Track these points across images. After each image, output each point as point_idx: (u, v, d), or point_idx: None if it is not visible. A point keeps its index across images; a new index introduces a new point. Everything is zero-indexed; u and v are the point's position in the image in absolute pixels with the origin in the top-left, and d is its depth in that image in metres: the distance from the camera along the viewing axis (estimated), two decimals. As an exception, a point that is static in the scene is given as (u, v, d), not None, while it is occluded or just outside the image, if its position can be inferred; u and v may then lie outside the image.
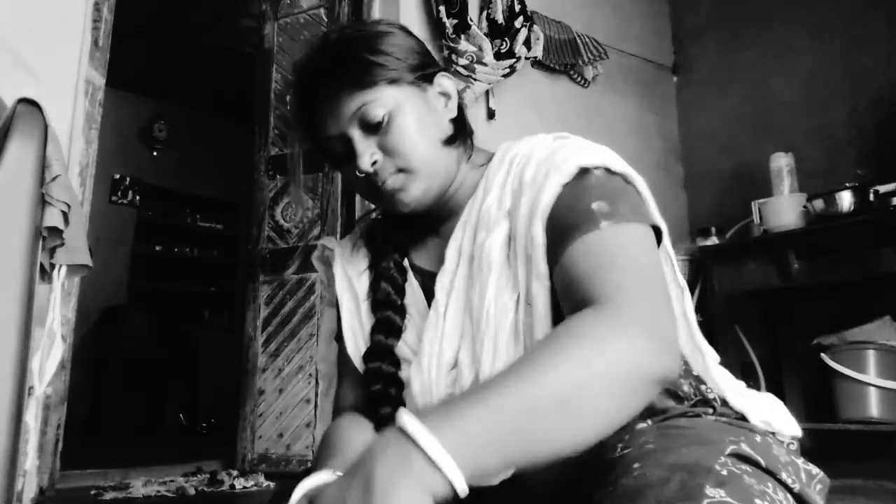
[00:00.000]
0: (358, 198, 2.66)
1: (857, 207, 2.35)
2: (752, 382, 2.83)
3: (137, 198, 5.91)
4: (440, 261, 0.79)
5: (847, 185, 2.42)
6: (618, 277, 0.59)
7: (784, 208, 2.58)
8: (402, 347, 0.79)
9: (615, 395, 0.52)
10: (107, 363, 5.14)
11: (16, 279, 1.05)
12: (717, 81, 3.47)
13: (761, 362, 2.81)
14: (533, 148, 0.75)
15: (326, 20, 2.89)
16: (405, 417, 0.48)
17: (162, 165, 6.08)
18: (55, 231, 1.24)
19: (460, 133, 0.81)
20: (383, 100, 0.74)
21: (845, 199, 2.37)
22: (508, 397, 0.49)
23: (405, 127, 0.74)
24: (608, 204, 0.65)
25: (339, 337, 0.89)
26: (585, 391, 0.51)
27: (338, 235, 2.68)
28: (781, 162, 2.72)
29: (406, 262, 0.84)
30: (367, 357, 0.80)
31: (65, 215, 1.23)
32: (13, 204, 1.08)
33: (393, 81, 0.75)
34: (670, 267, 0.71)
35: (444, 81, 0.81)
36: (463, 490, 0.46)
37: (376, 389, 0.78)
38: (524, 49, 2.69)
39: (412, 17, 2.64)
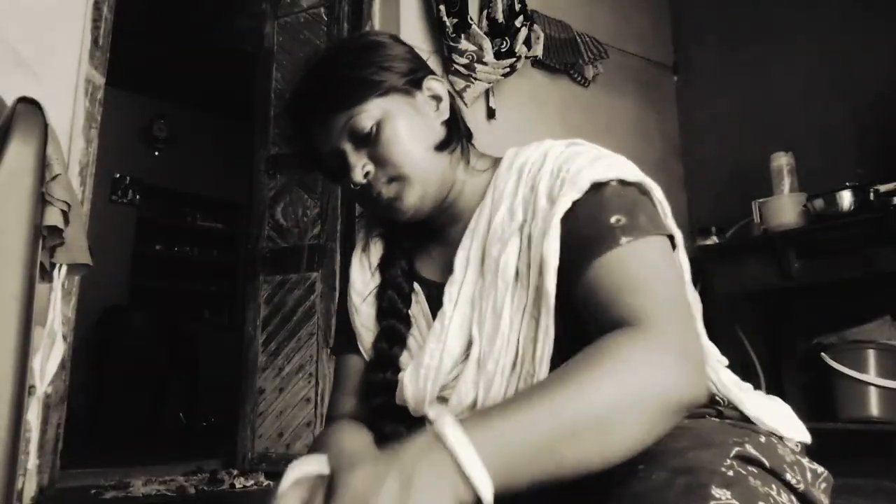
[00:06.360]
0: (358, 197, 2.66)
1: (858, 207, 2.35)
2: (753, 382, 2.83)
3: (138, 197, 5.91)
4: (446, 270, 0.78)
5: (847, 184, 2.42)
6: (645, 299, 0.60)
7: (784, 208, 2.58)
8: (404, 355, 0.79)
9: (646, 420, 0.54)
10: (107, 363, 5.14)
11: (16, 279, 1.05)
12: (718, 81, 3.47)
13: (761, 362, 2.81)
14: (545, 156, 0.74)
15: (326, 19, 2.88)
16: (447, 423, 0.49)
17: (162, 165, 6.09)
18: (55, 230, 1.23)
19: (454, 136, 0.80)
20: (371, 111, 0.74)
21: (845, 199, 2.37)
22: (543, 413, 0.51)
23: (394, 135, 0.74)
24: (626, 216, 0.64)
25: (336, 349, 0.88)
26: (618, 414, 0.53)
27: (338, 235, 2.68)
28: (781, 161, 2.71)
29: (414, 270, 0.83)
30: (371, 367, 0.80)
31: (65, 214, 1.23)
32: (13, 203, 1.08)
33: (380, 93, 0.75)
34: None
35: (434, 84, 0.80)
36: (488, 501, 0.48)
37: (379, 402, 0.77)
38: (524, 48, 2.69)
39: (412, 16, 2.64)
